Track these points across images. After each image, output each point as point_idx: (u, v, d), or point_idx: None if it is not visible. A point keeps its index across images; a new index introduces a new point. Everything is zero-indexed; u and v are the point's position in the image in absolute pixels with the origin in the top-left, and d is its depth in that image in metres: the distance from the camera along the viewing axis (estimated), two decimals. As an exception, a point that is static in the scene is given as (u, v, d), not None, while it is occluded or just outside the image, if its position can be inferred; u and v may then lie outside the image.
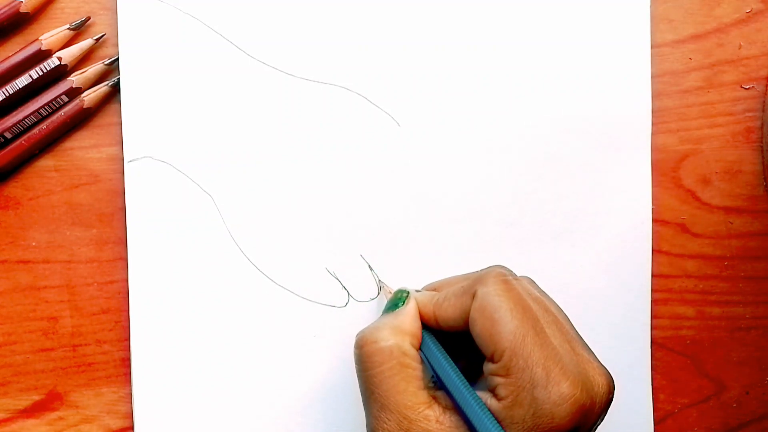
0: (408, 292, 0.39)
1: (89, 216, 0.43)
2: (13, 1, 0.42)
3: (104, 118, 0.43)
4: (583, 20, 0.44)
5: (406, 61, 0.43)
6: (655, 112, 0.44)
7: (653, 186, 0.44)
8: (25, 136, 0.42)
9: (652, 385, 0.45)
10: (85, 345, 0.43)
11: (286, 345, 0.43)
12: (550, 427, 0.33)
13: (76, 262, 0.43)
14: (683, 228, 0.45)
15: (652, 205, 0.44)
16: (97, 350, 0.43)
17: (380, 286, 0.43)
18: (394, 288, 0.41)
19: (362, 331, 0.38)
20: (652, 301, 0.44)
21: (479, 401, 0.35)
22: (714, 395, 0.45)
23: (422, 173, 0.44)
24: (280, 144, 0.43)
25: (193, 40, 0.42)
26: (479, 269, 0.39)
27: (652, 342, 0.45)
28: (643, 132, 0.44)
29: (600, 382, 0.35)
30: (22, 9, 0.42)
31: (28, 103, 0.42)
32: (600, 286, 0.44)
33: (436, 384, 0.37)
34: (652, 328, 0.44)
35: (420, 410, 0.35)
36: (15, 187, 0.43)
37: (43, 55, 0.42)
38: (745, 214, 0.45)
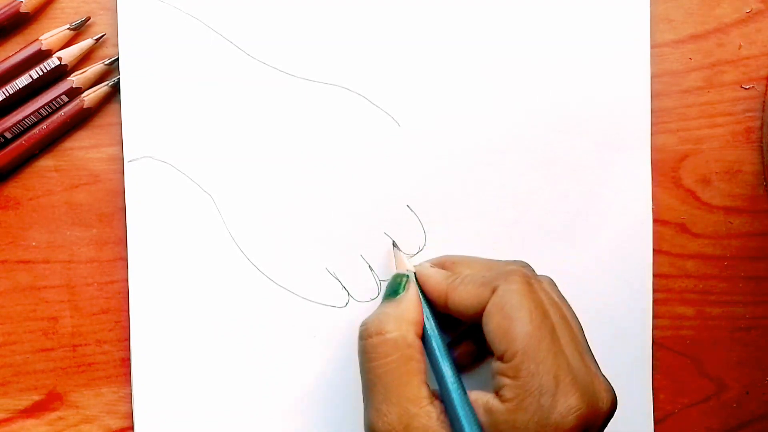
0: (407, 277, 0.39)
1: (89, 216, 0.43)
2: (13, 1, 0.42)
3: (104, 118, 0.43)
4: (583, 20, 0.44)
5: (406, 61, 0.43)
6: (655, 112, 0.44)
7: (653, 186, 0.44)
8: (25, 136, 0.42)
9: (652, 385, 0.45)
10: (85, 345, 0.43)
11: (286, 345, 0.43)
12: None
13: (76, 262, 0.43)
14: (683, 228, 0.45)
15: (652, 205, 0.44)
16: (97, 350, 0.43)
17: (394, 251, 0.42)
18: (407, 259, 0.41)
19: (365, 322, 0.37)
20: (652, 301, 0.44)
21: (470, 415, 0.34)
22: (714, 395, 0.45)
23: (422, 173, 0.44)
24: (280, 144, 0.43)
25: (193, 40, 0.42)
26: (502, 260, 0.39)
27: (652, 342, 0.44)
28: (643, 132, 0.44)
29: (605, 398, 0.35)
30: (22, 9, 0.42)
31: (28, 103, 0.42)
32: (600, 286, 0.44)
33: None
34: (652, 328, 0.44)
35: (423, 405, 0.35)
36: (15, 187, 0.43)
37: (43, 55, 0.42)
38: (745, 214, 0.45)
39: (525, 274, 0.36)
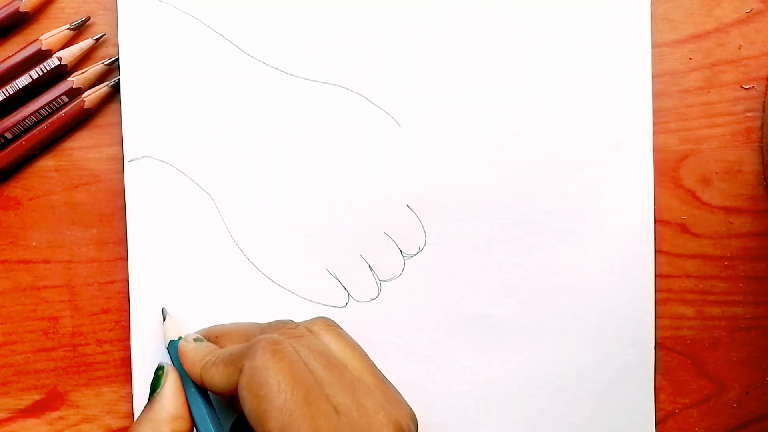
0: (164, 368, 0.38)
1: (89, 216, 0.43)
2: (13, 1, 0.42)
3: (104, 118, 0.43)
4: (584, 20, 0.44)
5: (406, 61, 0.43)
6: (655, 112, 0.44)
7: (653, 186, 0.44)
8: (26, 137, 0.42)
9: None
10: (86, 345, 0.43)
11: (286, 345, 0.43)
12: None
13: (76, 262, 0.43)
14: (683, 228, 0.45)
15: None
16: (97, 350, 0.43)
17: (164, 323, 0.41)
18: (183, 323, 0.40)
19: (130, 429, 0.36)
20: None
21: None
22: (714, 395, 0.45)
23: (422, 173, 0.44)
24: (280, 144, 0.43)
25: (193, 40, 0.42)
26: (263, 323, 0.38)
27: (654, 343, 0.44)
28: (644, 132, 0.44)
29: (393, 427, 0.33)
30: (22, 9, 0.42)
31: (29, 104, 0.42)
32: (602, 287, 0.44)
33: None
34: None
35: None
36: (15, 187, 0.43)
37: (43, 55, 0.42)
38: (745, 214, 0.45)
39: (271, 341, 0.34)
